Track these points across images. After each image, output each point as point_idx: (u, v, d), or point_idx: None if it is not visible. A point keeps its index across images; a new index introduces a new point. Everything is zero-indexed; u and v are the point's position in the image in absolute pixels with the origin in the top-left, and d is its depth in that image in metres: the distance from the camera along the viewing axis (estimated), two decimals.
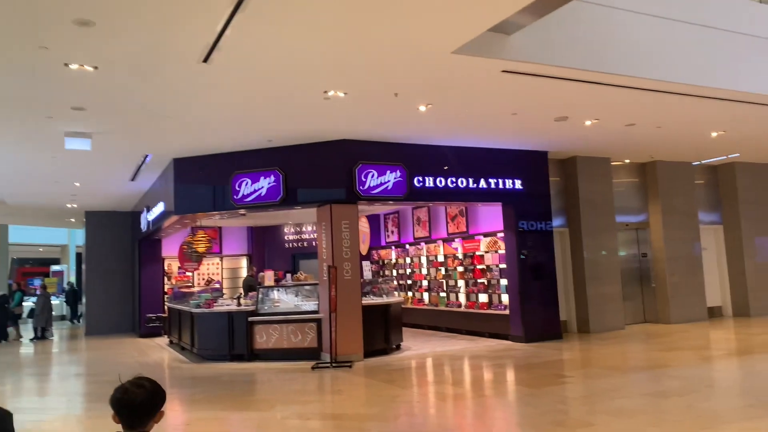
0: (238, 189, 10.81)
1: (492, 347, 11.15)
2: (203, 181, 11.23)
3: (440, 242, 14.69)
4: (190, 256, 14.64)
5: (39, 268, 33.34)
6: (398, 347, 11.44)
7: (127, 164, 11.70)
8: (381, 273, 17.02)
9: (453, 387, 7.81)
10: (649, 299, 14.12)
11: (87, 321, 18.01)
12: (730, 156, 13.78)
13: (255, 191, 10.73)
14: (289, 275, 14.17)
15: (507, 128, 10.22)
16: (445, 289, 14.49)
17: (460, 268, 13.94)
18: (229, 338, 10.99)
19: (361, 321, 10.39)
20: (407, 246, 16.28)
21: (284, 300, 11.47)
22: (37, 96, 7.50)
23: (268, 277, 11.77)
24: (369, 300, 11.06)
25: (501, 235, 12.53)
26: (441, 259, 14.76)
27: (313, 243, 18.76)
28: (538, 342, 11.49)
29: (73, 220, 20.04)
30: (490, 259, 12.88)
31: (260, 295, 11.37)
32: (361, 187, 10.43)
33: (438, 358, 10.24)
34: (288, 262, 18.79)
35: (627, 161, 14.10)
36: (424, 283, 15.38)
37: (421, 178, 10.98)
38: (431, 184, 11.06)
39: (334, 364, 9.63)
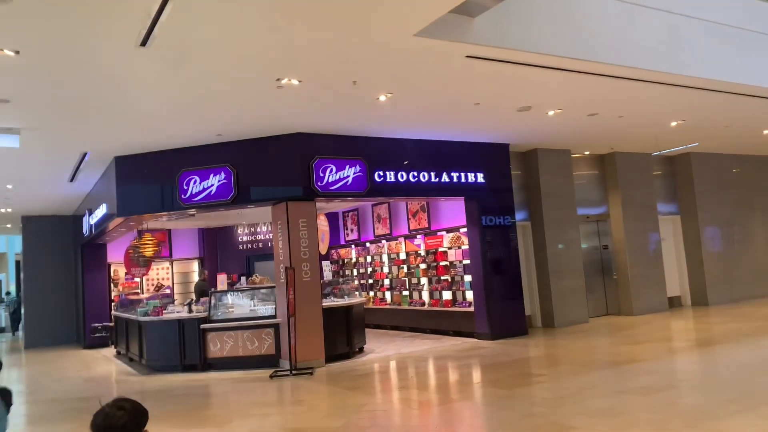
0: (186, 188, 10.11)
1: (458, 346, 10.80)
2: (148, 180, 10.46)
3: (402, 239, 14.27)
4: (138, 261, 13.78)
5: None
6: (361, 350, 10.96)
7: (63, 164, 10.81)
8: (341, 273, 16.49)
9: (421, 392, 7.38)
10: (612, 291, 14.07)
11: (26, 333, 16.82)
12: (688, 146, 13.83)
13: (204, 190, 10.04)
14: (243, 278, 13.55)
15: (469, 119, 9.86)
16: (407, 287, 14.07)
17: (423, 266, 13.55)
18: (180, 347, 10.28)
19: (321, 324, 9.86)
20: (368, 244, 15.80)
21: (239, 305, 10.83)
22: None
23: (221, 280, 11.10)
24: (330, 302, 10.54)
25: (464, 230, 12.20)
26: (403, 256, 14.34)
27: (269, 244, 18.07)
28: (505, 339, 11.21)
29: (9, 225, 18.73)
30: (453, 255, 12.54)
31: (213, 301, 10.69)
32: (318, 183, 9.88)
33: (403, 361, 9.80)
34: (242, 264, 18.05)
35: (587, 153, 14.00)
36: (386, 281, 14.94)
37: (381, 173, 10.51)
38: (392, 179, 10.61)
39: (294, 372, 9.07)
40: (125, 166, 10.53)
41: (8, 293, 24.68)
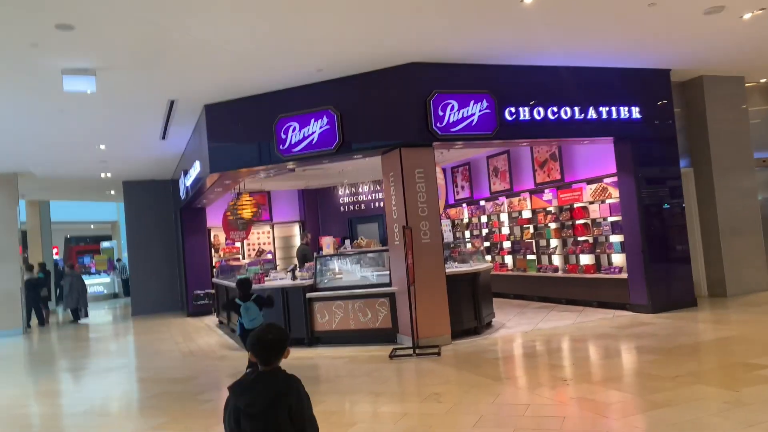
0: (284, 137, 8.69)
1: (612, 321, 8.80)
2: (242, 130, 9.15)
3: (526, 195, 12.26)
4: (236, 224, 12.76)
5: (93, 246, 32.76)
6: (489, 324, 9.24)
7: (151, 115, 9.73)
8: (453, 235, 14.76)
9: (596, 389, 5.52)
10: None
11: (133, 300, 16.58)
12: None
13: (305, 138, 8.57)
14: (347, 242, 12.18)
15: (635, 28, 7.62)
16: (534, 250, 12.11)
17: (554, 225, 11.51)
18: (284, 319, 9.03)
19: (445, 294, 8.21)
20: (482, 202, 13.92)
21: (348, 271, 9.42)
22: (9, 9, 5.48)
23: (327, 243, 9.71)
24: (453, 268, 8.85)
25: (611, 180, 10.02)
26: (528, 215, 12.36)
27: (372, 205, 16.65)
28: (668, 311, 9.06)
29: (113, 192, 18.54)
30: (596, 212, 10.40)
31: (318, 266, 9.34)
32: (438, 124, 8.11)
33: (547, 339, 7.97)
34: (344, 227, 16.79)
35: (762, 81, 11.20)
36: (506, 244, 13.04)
37: (513, 110, 8.56)
38: (526, 117, 8.63)
39: (417, 351, 7.51)
40: (216, 116, 9.27)
41: (119, 260, 25.18)
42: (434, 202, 8.29)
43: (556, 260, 11.61)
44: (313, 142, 8.52)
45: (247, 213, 11.57)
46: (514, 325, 9.19)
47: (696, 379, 5.38)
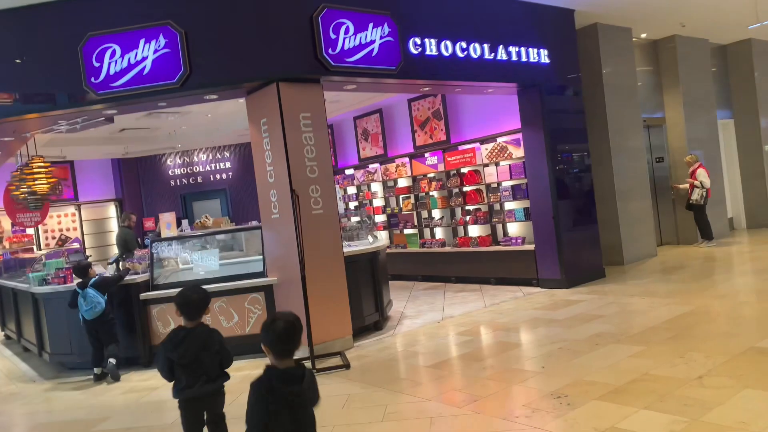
0: (97, 65, 5.86)
1: (530, 301, 7.45)
2: (30, 54, 6.07)
3: (405, 160, 10.57)
4: (26, 203, 9.28)
5: None
6: (387, 316, 7.38)
7: None
8: None
9: (624, 408, 3.92)
10: (667, 216, 11.12)
11: None
12: None
13: (131, 67, 5.84)
14: (185, 222, 9.58)
15: None
16: (416, 223, 10.51)
17: (436, 193, 9.99)
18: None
19: (345, 283, 6.15)
20: (350, 171, 12.00)
21: (197, 261, 6.89)
22: None
23: (166, 223, 7.04)
24: (348, 248, 6.78)
25: (510, 138, 8.68)
26: (407, 182, 10.69)
27: (211, 178, 13.85)
28: (583, 285, 8.01)
29: None
30: (493, 175, 9.01)
31: (155, 255, 6.68)
32: (330, 51, 5.94)
33: (473, 332, 6.30)
34: (177, 205, 13.74)
35: (643, 36, 10.70)
36: (380, 218, 11.27)
37: (419, 41, 6.67)
38: (434, 51, 6.81)
39: (317, 365, 5.35)
40: None
41: None
42: (326, 160, 6.13)
43: (443, 233, 10.13)
44: (145, 72, 5.82)
45: (42, 186, 8.30)
46: (416, 314, 7.44)
47: (736, 380, 4.01)
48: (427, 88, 7.56)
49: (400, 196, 10.73)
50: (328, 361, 5.59)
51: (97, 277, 6.05)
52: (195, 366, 3.14)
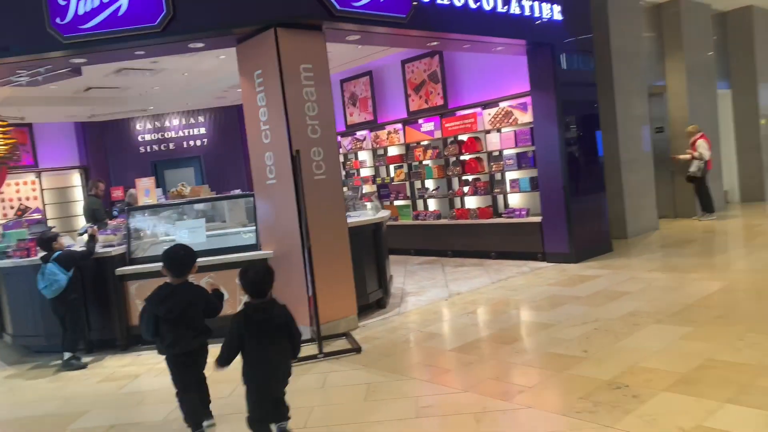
0: (63, 3, 5.02)
1: (540, 276, 6.96)
2: None
3: (398, 126, 9.90)
4: None
5: None
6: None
7: None
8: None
9: (725, 405, 3.47)
10: (664, 189, 10.76)
11: None
12: None
13: (104, 6, 5.02)
14: (158, 192, 8.77)
15: None
16: (408, 194, 9.91)
17: (431, 162, 9.39)
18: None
19: (350, 256, 5.54)
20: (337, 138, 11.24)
21: (181, 232, 6.15)
22: None
23: (144, 189, 6.27)
24: (350, 218, 6.13)
25: (515, 102, 8.10)
26: (398, 150, 10.05)
27: (184, 144, 12.95)
28: (592, 260, 7.56)
29: None
30: (496, 143, 8.44)
31: (131, 225, 5.93)
32: None
33: (489, 311, 5.80)
34: (147, 174, 12.77)
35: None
36: (366, 189, 10.59)
37: None
38: (445, 0, 6.13)
39: (323, 352, 4.74)
40: None
41: None
42: (329, 119, 5.44)
43: (437, 205, 9.57)
44: (121, 12, 5.01)
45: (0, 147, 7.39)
46: (418, 291, 6.89)
47: None
48: (435, 43, 6.88)
49: (392, 165, 10.09)
50: (334, 343, 5.00)
51: (62, 251, 5.30)
52: (180, 321, 3.22)
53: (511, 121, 8.17)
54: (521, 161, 8.12)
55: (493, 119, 8.38)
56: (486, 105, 8.54)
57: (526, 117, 7.96)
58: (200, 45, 5.55)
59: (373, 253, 6.19)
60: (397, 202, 10.12)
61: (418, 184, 9.76)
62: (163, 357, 3.32)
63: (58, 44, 5.11)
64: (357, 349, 4.73)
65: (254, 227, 5.80)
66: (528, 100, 7.87)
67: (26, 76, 5.90)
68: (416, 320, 5.61)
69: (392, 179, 10.06)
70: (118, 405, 4.21)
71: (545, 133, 7.59)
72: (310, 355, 4.70)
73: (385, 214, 6.70)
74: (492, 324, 5.21)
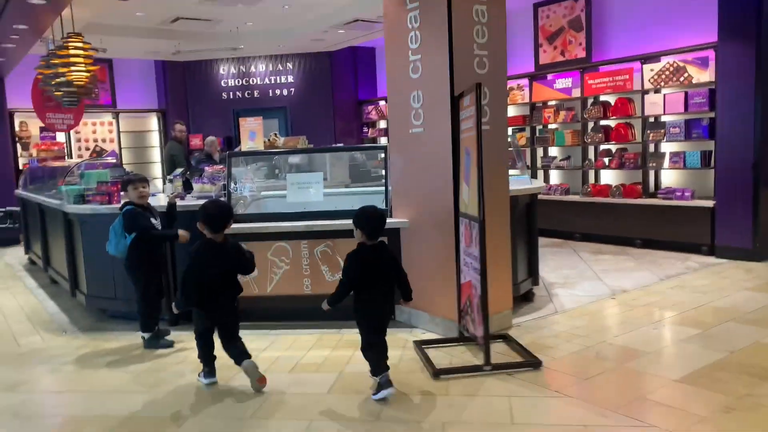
0: None
1: (722, 275, 5.50)
2: None
3: (523, 82, 8.45)
4: (60, 99, 7.42)
5: None
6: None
7: None
8: None
9: None
10: None
11: None
12: None
13: None
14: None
15: None
16: (530, 164, 8.51)
17: (561, 126, 7.94)
18: (169, 276, 4.53)
19: (509, 234, 4.26)
20: None
21: (291, 188, 4.98)
22: None
23: (250, 132, 5.13)
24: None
25: (689, 56, 6.51)
26: (520, 111, 8.62)
27: (270, 93, 11.88)
28: None
29: None
30: (658, 105, 6.89)
31: (234, 176, 4.82)
32: None
33: (680, 318, 4.45)
34: (227, 123, 11.85)
35: None
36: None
37: None
38: None
39: (489, 363, 3.50)
40: None
41: None
42: (500, 49, 4.11)
43: (559, 177, 8.15)
44: None
45: (79, 74, 6.41)
46: (564, 282, 5.57)
47: None
48: None
49: (511, 128, 8.68)
50: (493, 347, 3.76)
51: (132, 206, 4.08)
52: (223, 278, 3.28)
53: (683, 79, 6.59)
54: (690, 130, 6.56)
55: (657, 77, 6.82)
56: (646, 59, 6.97)
57: (704, 75, 6.38)
58: None
59: (525, 232, 4.89)
60: (512, 171, 8.71)
61: (540, 152, 8.34)
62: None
63: None
64: (535, 364, 3.48)
65: (382, 188, 4.58)
66: (710, 53, 6.29)
67: None
68: (588, 325, 4.29)
69: (514, 143, 8.66)
70: (222, 405, 3.12)
71: (735, 96, 6.01)
72: (470, 365, 3.49)
73: (540, 183, 5.37)
74: (710, 342, 3.83)
